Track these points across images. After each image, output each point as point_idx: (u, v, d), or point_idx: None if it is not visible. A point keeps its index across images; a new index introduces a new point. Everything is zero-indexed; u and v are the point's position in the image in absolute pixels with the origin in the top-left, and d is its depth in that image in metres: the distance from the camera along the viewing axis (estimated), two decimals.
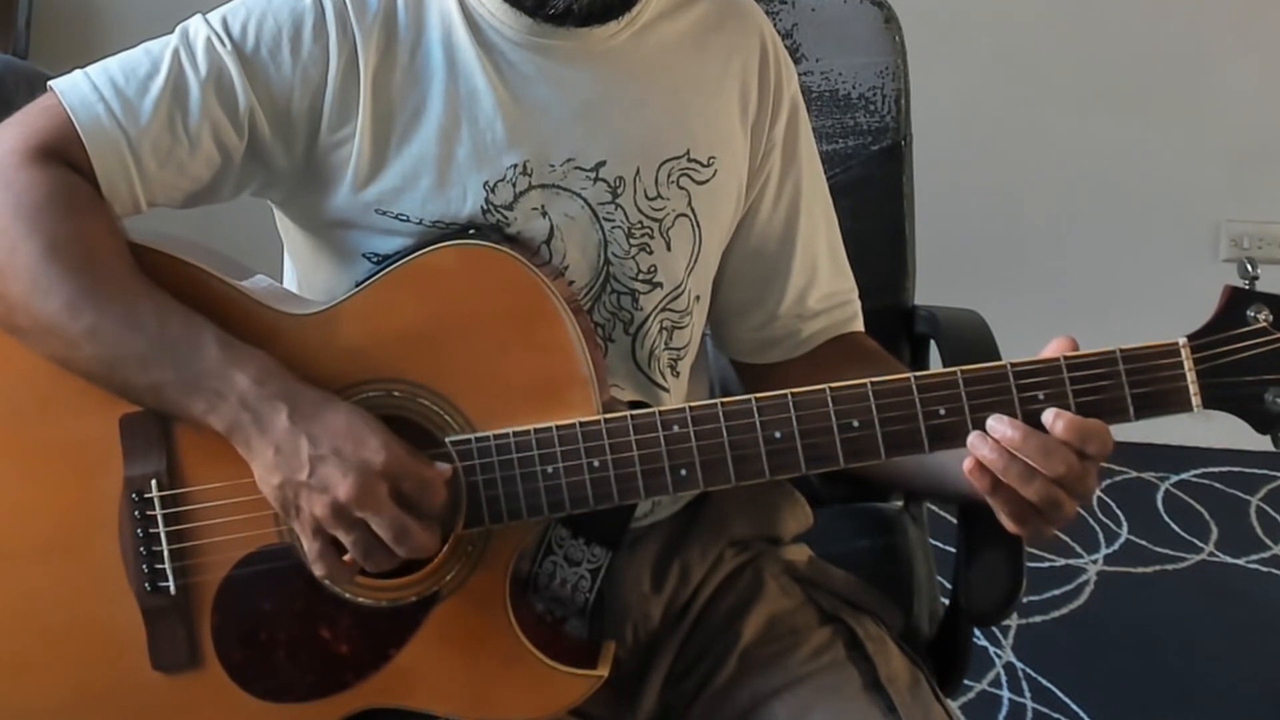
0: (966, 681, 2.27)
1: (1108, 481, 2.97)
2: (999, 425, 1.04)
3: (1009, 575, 1.30)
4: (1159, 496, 2.93)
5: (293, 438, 1.05)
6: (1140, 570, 2.70)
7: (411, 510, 1.06)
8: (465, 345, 1.11)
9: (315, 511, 1.05)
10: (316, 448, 1.04)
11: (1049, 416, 1.04)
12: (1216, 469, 3.00)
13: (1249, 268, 1.06)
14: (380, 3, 1.17)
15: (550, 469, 1.09)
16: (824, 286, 1.33)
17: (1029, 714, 2.30)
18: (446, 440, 1.10)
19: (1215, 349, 1.05)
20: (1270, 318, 1.05)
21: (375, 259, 1.19)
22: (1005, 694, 2.35)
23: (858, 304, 1.37)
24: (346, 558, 1.07)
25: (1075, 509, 1.07)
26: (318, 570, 1.08)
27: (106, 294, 1.07)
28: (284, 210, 1.26)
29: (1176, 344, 1.06)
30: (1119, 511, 2.87)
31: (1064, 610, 2.58)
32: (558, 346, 1.11)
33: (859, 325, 1.36)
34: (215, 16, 1.16)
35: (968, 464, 1.06)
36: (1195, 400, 1.05)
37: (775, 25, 1.33)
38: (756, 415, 1.08)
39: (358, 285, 1.14)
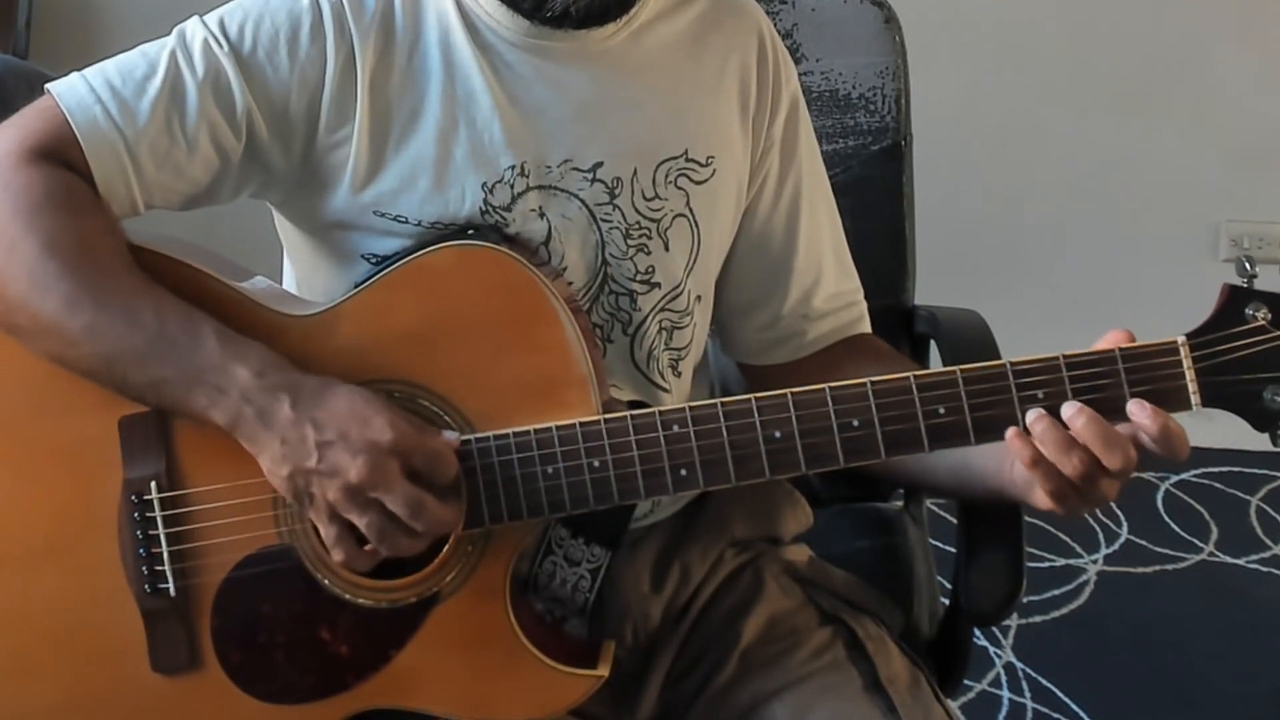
0: (966, 681, 2.27)
1: None
2: (1067, 409, 1.05)
3: (1009, 575, 1.30)
4: (1159, 496, 2.93)
5: (298, 426, 1.04)
6: (1140, 570, 2.70)
7: (425, 485, 1.06)
8: (464, 346, 1.11)
9: (329, 497, 1.05)
10: (322, 434, 1.04)
11: (1133, 407, 1.04)
12: (1216, 469, 3.00)
13: (1247, 266, 1.06)
14: (377, 4, 1.17)
15: (550, 469, 1.09)
16: (829, 286, 1.33)
17: (1029, 714, 2.30)
18: None
19: (1214, 347, 1.05)
20: (1269, 316, 1.05)
21: (374, 260, 1.19)
22: (1005, 694, 2.35)
23: (864, 305, 1.37)
24: (366, 547, 1.07)
25: (1116, 492, 1.08)
26: (336, 556, 1.08)
27: (105, 291, 1.07)
28: (283, 212, 1.26)
29: (1175, 342, 1.06)
30: (1119, 511, 2.87)
31: (1064, 610, 2.57)
32: (556, 347, 1.11)
33: (866, 326, 1.36)
34: (212, 18, 1.16)
35: (1010, 432, 1.06)
36: (1194, 399, 1.05)
37: (775, 25, 1.33)
38: (756, 415, 1.08)
39: (357, 286, 1.14)
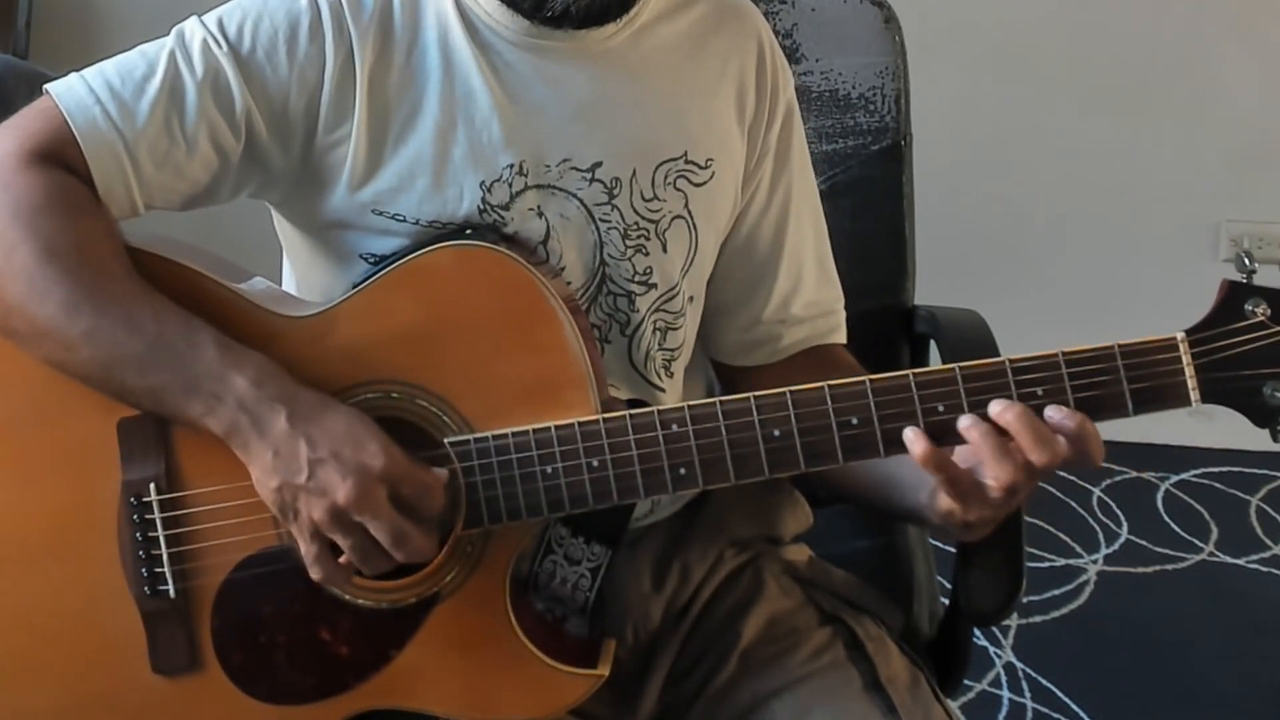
0: (966, 681, 2.27)
1: (1107, 481, 2.97)
2: (995, 406, 1.04)
3: (1009, 575, 1.30)
4: (1159, 496, 2.93)
5: (291, 440, 1.04)
6: (1140, 570, 2.69)
7: (410, 514, 1.06)
8: (463, 346, 1.11)
9: (313, 515, 1.05)
10: (315, 451, 1.04)
11: (1051, 411, 1.03)
12: (1216, 469, 3.00)
13: (1246, 261, 1.06)
14: (376, 3, 1.17)
15: (549, 469, 1.09)
16: (809, 294, 1.33)
17: (1029, 714, 2.30)
18: (445, 441, 1.10)
19: (1213, 343, 1.05)
20: (1268, 311, 1.05)
21: (372, 260, 1.19)
22: (1005, 694, 2.35)
23: (842, 315, 1.36)
24: (343, 559, 1.07)
25: (1019, 502, 1.07)
26: (314, 574, 1.08)
27: (104, 296, 1.07)
28: (282, 212, 1.26)
29: (1175, 338, 1.05)
30: (1119, 511, 2.87)
31: (1064, 610, 2.57)
32: (555, 346, 1.11)
33: (841, 337, 1.36)
34: (211, 18, 1.16)
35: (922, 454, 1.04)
36: (1194, 394, 1.05)
37: (775, 25, 1.33)
38: (755, 414, 1.08)
39: (355, 286, 1.14)
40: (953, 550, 1.39)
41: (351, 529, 1.05)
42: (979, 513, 1.07)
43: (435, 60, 1.18)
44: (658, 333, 1.26)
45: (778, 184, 1.31)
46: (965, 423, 1.04)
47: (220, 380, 1.05)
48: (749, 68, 1.27)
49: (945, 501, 1.08)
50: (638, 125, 1.22)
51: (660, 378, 1.27)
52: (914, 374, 1.07)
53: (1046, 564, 2.68)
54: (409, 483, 1.06)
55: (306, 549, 1.07)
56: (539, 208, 1.19)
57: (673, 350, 1.28)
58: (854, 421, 1.07)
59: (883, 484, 1.20)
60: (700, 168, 1.24)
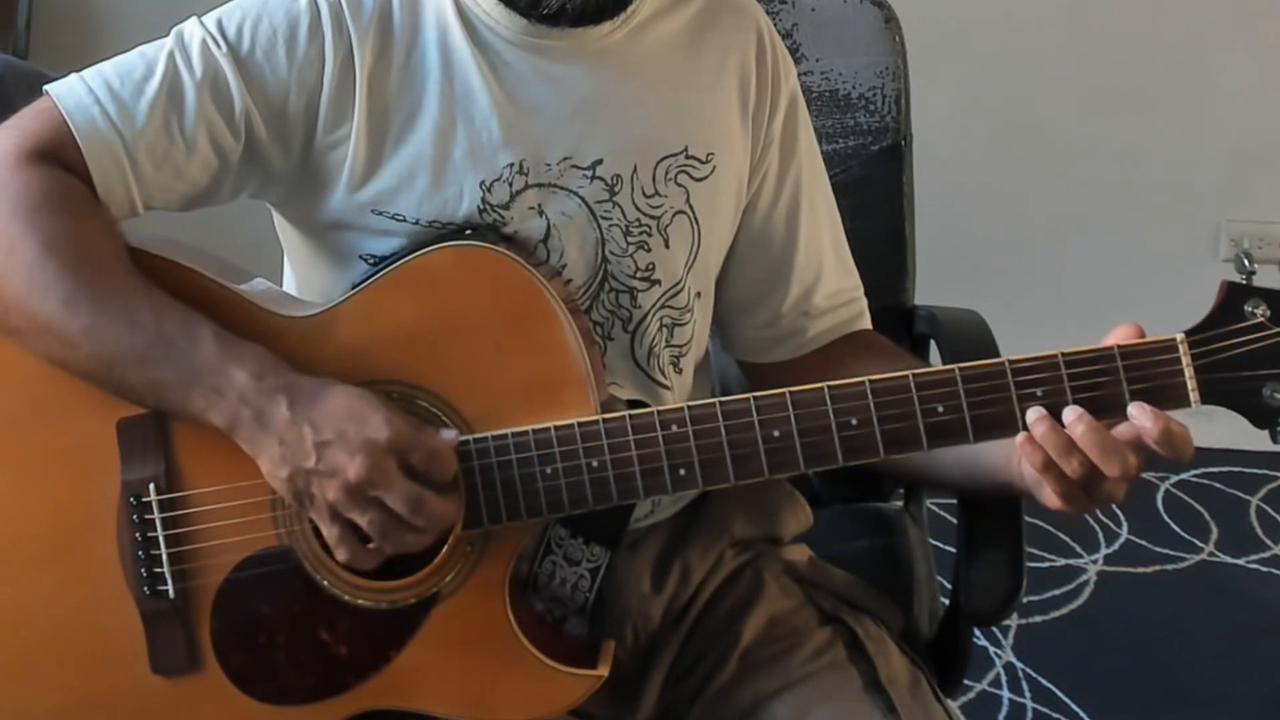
0: (966, 681, 2.26)
1: None
2: (1068, 415, 1.04)
3: (1009, 575, 1.30)
4: (1159, 496, 2.92)
5: (295, 427, 1.05)
6: (1140, 570, 2.69)
7: (424, 482, 1.06)
8: (462, 346, 1.11)
9: (329, 497, 1.05)
10: (320, 434, 1.04)
11: (1134, 410, 1.04)
12: (1216, 469, 3.00)
13: (1245, 262, 1.06)
14: (375, 3, 1.17)
15: (549, 470, 1.09)
16: (830, 284, 1.33)
17: (1029, 714, 2.30)
18: None
19: (1213, 344, 1.05)
20: (1268, 312, 1.05)
21: (371, 260, 1.19)
22: (1005, 694, 2.35)
23: (864, 302, 1.37)
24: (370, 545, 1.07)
25: (1122, 492, 1.08)
26: (340, 555, 1.08)
27: (104, 292, 1.07)
28: (282, 212, 1.26)
29: (1174, 339, 1.05)
30: (1119, 511, 2.86)
31: (1064, 610, 2.57)
32: (554, 346, 1.11)
33: (867, 323, 1.36)
34: (210, 19, 1.16)
35: (1021, 437, 1.06)
36: (1193, 395, 1.05)
37: (775, 25, 1.33)
38: (755, 414, 1.08)
39: (354, 287, 1.14)
40: (953, 550, 1.39)
41: (368, 504, 1.05)
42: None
43: (435, 60, 1.18)
44: (664, 329, 1.26)
45: (785, 175, 1.31)
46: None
47: (220, 374, 1.06)
48: (750, 59, 1.27)
49: (1049, 498, 1.10)
50: (637, 122, 1.22)
51: (666, 375, 1.27)
52: (913, 374, 1.07)
53: (1046, 564, 2.68)
54: (417, 450, 1.06)
55: (328, 532, 1.07)
56: (539, 206, 1.19)
57: (681, 347, 1.28)
58: (853, 422, 1.07)
59: (966, 464, 1.21)
60: (701, 162, 1.24)
